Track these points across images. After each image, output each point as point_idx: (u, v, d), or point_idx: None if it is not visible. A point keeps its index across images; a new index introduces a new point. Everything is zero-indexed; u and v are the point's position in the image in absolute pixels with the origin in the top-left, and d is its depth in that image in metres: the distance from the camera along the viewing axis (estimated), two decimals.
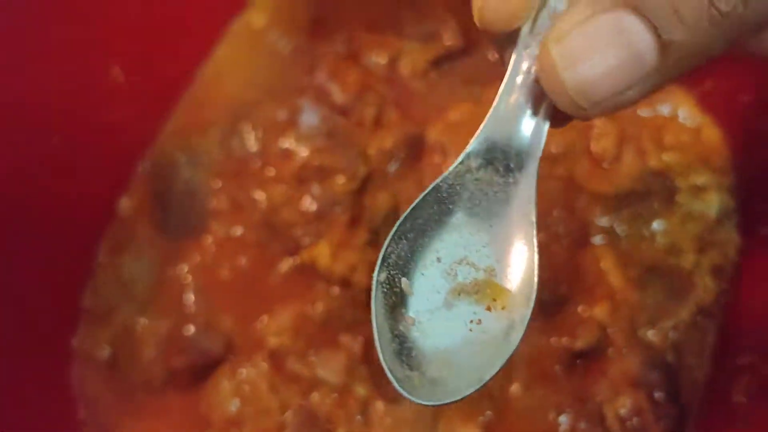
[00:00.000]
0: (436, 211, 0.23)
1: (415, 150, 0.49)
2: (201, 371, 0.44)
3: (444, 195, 0.23)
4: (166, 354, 0.44)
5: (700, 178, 0.48)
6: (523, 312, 0.22)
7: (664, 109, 0.51)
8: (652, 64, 0.18)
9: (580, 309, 0.45)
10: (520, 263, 0.22)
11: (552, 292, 0.45)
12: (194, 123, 0.50)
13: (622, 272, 0.46)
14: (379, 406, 0.43)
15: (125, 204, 0.48)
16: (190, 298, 0.46)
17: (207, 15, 0.51)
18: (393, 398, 0.43)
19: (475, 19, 0.21)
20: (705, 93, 0.50)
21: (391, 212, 0.46)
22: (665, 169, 0.49)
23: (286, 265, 0.46)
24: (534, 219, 0.23)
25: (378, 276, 0.22)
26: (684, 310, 0.45)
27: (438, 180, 0.23)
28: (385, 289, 0.22)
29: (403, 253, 0.23)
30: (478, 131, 0.23)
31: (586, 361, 0.44)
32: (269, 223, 0.47)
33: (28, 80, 0.43)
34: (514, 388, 0.44)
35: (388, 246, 0.22)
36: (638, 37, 0.17)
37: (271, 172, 0.48)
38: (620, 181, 0.48)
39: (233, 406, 0.43)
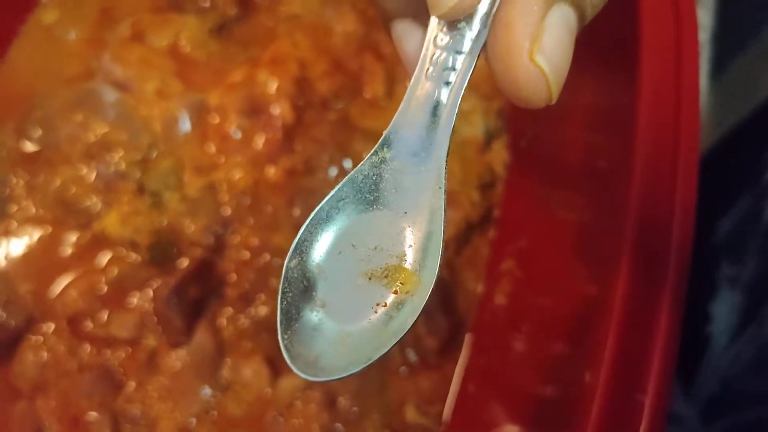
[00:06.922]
0: (352, 200, 0.23)
1: (198, 114, 0.52)
2: (7, 345, 0.47)
3: (360, 185, 0.23)
4: None
5: (466, 104, 0.50)
6: (423, 295, 0.23)
7: None
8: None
9: None
10: (428, 249, 0.23)
11: None
12: None
13: None
14: (166, 353, 0.45)
15: None
16: None
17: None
18: (178, 343, 0.45)
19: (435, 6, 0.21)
20: None
21: (172, 174, 0.49)
22: None
23: (80, 237, 0.49)
24: (444, 203, 0.23)
25: (289, 262, 0.23)
26: (450, 228, 0.47)
27: (353, 171, 0.23)
28: (296, 274, 0.23)
29: (317, 240, 0.23)
30: (391, 123, 0.23)
31: None
32: (63, 201, 0.49)
33: None
34: None
35: (303, 233, 0.23)
36: (575, 23, 0.20)
37: (61, 153, 0.50)
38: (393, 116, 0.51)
39: (37, 372, 0.46)
